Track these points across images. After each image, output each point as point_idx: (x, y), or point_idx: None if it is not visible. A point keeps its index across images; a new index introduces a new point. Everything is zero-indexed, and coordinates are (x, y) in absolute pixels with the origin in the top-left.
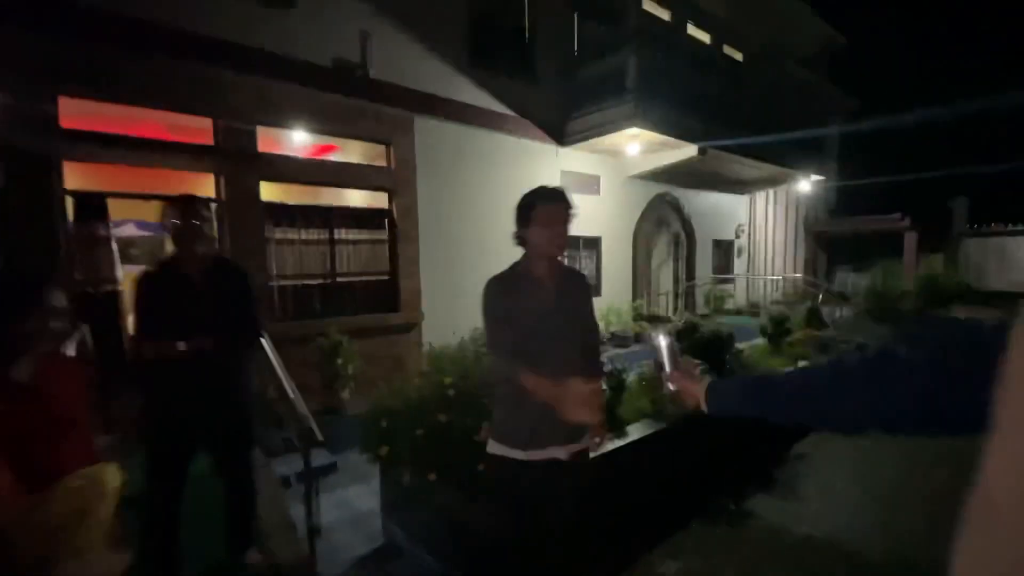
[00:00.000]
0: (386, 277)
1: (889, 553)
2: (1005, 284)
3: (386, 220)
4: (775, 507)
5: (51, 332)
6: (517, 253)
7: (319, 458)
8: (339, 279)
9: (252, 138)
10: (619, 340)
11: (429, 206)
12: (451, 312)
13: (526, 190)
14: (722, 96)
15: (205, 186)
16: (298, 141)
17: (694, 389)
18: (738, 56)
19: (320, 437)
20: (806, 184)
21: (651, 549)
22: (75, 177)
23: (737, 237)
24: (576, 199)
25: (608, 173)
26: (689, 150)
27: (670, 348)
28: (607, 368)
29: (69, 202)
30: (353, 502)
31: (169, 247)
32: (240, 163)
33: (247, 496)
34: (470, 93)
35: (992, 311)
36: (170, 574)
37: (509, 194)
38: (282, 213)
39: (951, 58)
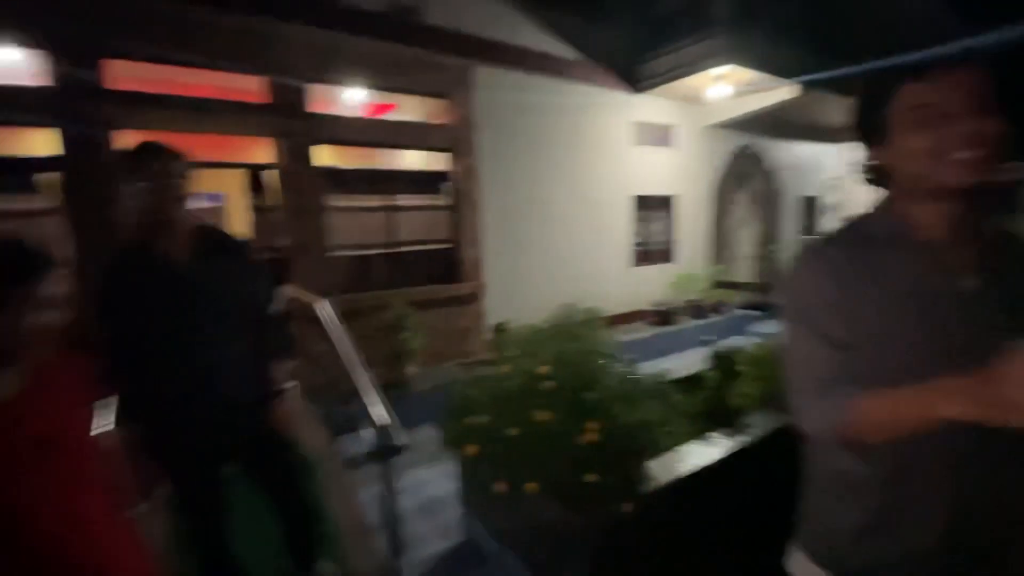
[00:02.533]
0: (448, 245)
1: None
2: None
3: (447, 183)
4: None
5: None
6: (595, 218)
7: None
8: (400, 248)
9: (302, 97)
10: (696, 311)
11: (491, 166)
12: (513, 283)
13: (595, 143)
14: (817, 26)
15: (264, 154)
16: (352, 99)
17: None
18: None
19: (404, 441)
20: None
21: None
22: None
23: (827, 193)
24: (648, 153)
25: (685, 122)
26: (782, 92)
27: None
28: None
29: None
30: (424, 488)
31: (133, 219)
32: (294, 125)
33: (296, 511)
34: (532, 36)
35: None
36: None
37: (576, 150)
38: (338, 179)
39: None
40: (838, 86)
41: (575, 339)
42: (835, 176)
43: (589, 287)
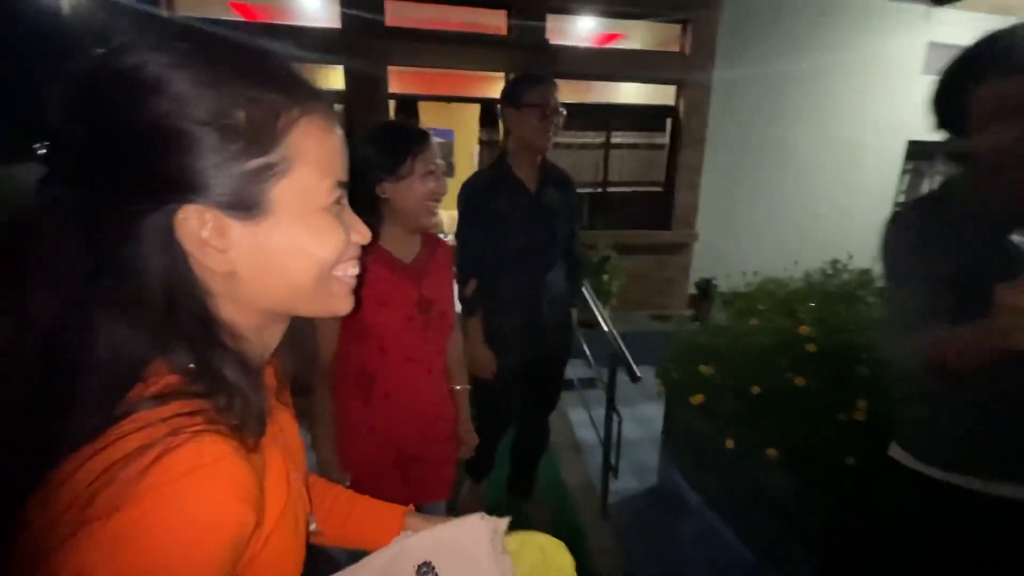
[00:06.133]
0: (659, 189)
1: None
2: None
3: (668, 120)
4: None
5: None
6: (848, 167)
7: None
8: (610, 188)
9: (542, 29)
10: None
11: (725, 101)
12: (728, 237)
13: (866, 71)
14: None
15: (494, 89)
16: (583, 30)
17: None
18: None
19: (638, 375)
20: None
21: None
22: (395, 82)
23: None
24: None
25: None
26: None
27: None
28: None
29: (391, 106)
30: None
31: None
32: (532, 58)
33: (538, 430)
34: None
35: None
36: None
37: (836, 79)
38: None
39: None
40: None
41: (846, 302)
42: None
43: (827, 252)
